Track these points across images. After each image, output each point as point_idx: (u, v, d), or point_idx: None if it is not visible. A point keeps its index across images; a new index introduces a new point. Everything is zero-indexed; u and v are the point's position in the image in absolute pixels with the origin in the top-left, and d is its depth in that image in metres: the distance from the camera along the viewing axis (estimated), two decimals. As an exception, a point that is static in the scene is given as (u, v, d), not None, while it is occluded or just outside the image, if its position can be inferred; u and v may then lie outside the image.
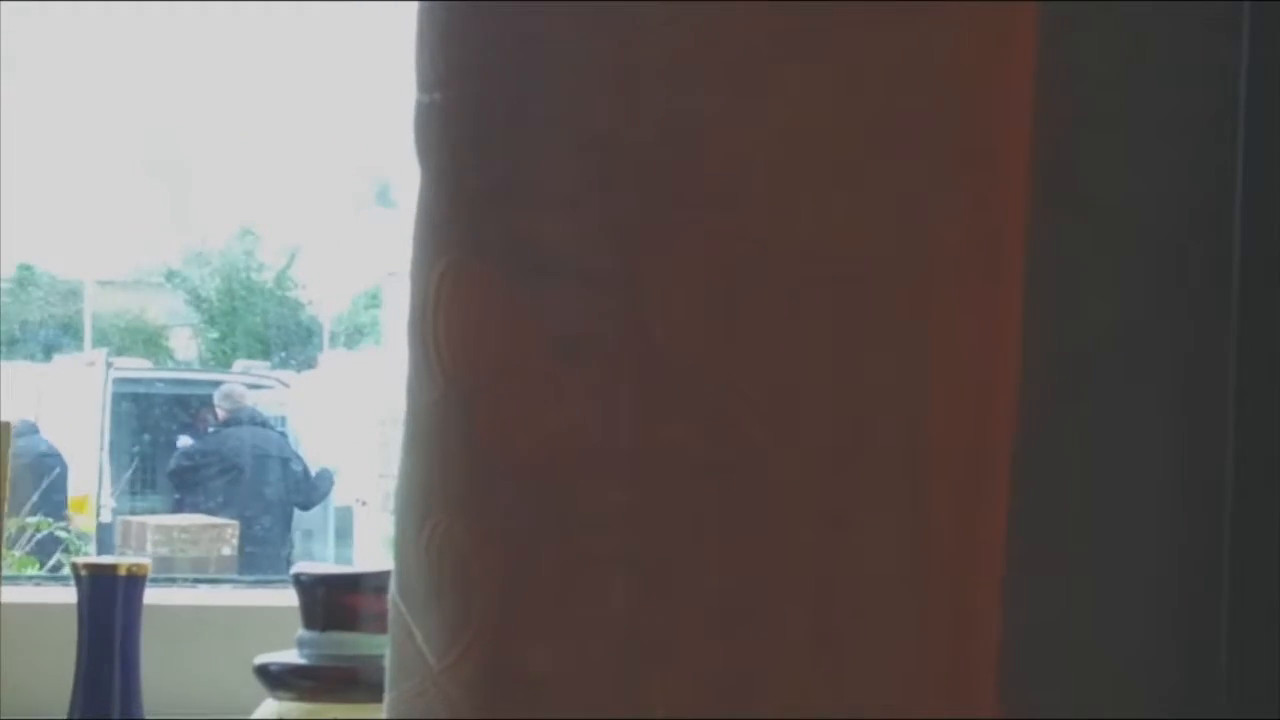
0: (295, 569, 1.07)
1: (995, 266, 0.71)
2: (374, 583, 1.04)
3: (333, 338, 7.40)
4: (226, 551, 5.18)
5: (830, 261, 0.68)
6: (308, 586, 1.05)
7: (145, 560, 1.14)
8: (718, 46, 0.68)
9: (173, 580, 1.41)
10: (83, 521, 5.36)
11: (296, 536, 5.83)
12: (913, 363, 0.69)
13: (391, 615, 0.74)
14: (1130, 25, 0.75)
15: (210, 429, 5.80)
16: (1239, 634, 0.75)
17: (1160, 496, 0.76)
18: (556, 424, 0.69)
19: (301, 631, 1.06)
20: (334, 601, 1.05)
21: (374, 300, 7.46)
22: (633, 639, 0.68)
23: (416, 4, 0.73)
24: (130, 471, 5.92)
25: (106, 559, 1.15)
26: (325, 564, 1.14)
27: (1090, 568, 0.76)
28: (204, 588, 1.45)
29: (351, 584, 1.05)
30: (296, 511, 5.87)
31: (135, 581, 1.12)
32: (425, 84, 0.73)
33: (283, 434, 6.06)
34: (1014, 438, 0.71)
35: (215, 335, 7.07)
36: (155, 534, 5.21)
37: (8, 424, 1.16)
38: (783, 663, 0.68)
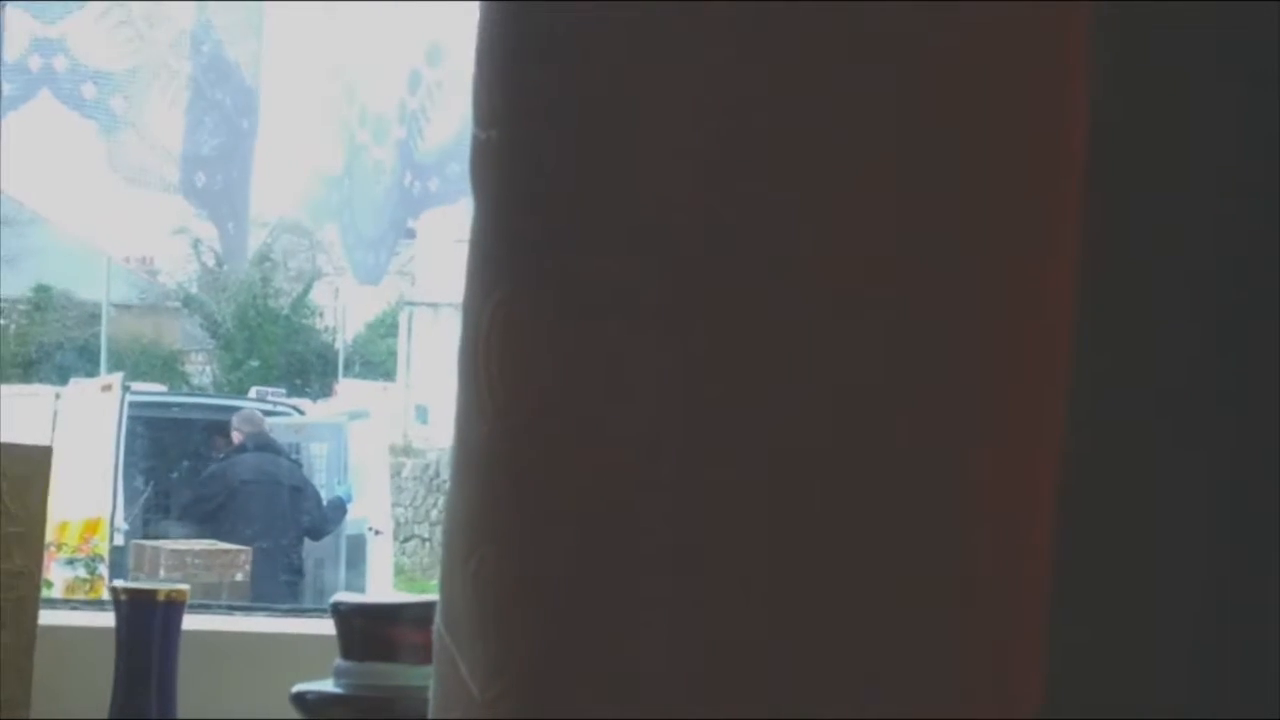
0: (334, 599, 1.07)
1: (1048, 297, 0.71)
2: (412, 614, 1.04)
3: (348, 365, 7.40)
4: (239, 577, 5.18)
5: (884, 302, 0.68)
6: (346, 617, 1.05)
7: (184, 586, 1.14)
8: (775, 89, 0.69)
9: (207, 607, 1.41)
10: (96, 544, 5.37)
11: (309, 564, 5.83)
12: (962, 396, 0.69)
13: (436, 646, 0.74)
14: (1187, 83, 0.75)
15: (222, 455, 5.80)
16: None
17: (1205, 513, 0.76)
18: (605, 462, 0.69)
19: (339, 661, 1.06)
20: (372, 632, 1.05)
21: (391, 329, 7.47)
22: (677, 678, 0.68)
23: (475, 41, 0.74)
24: (144, 496, 5.93)
25: (145, 584, 1.15)
26: (363, 595, 1.14)
27: (1133, 598, 0.76)
28: (239, 614, 1.45)
29: (390, 615, 1.05)
30: (308, 540, 5.87)
31: (174, 607, 1.13)
32: (481, 121, 0.73)
33: (296, 461, 6.06)
34: (1060, 471, 0.72)
35: (230, 361, 7.08)
36: (168, 559, 5.21)
37: (49, 448, 1.16)
38: (831, 705, 0.68)
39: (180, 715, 1.14)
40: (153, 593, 1.13)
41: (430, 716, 0.74)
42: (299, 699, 1.05)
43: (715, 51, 0.69)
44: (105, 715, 1.14)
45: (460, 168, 1.13)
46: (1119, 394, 0.76)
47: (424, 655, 1.01)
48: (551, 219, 0.70)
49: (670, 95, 0.69)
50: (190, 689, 1.16)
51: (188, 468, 5.99)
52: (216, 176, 1.14)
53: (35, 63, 1.12)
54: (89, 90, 1.12)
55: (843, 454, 0.68)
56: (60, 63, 1.12)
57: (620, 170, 0.69)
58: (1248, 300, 0.77)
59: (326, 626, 1.09)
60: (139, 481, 5.94)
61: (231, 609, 1.45)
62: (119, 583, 1.16)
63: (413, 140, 1.19)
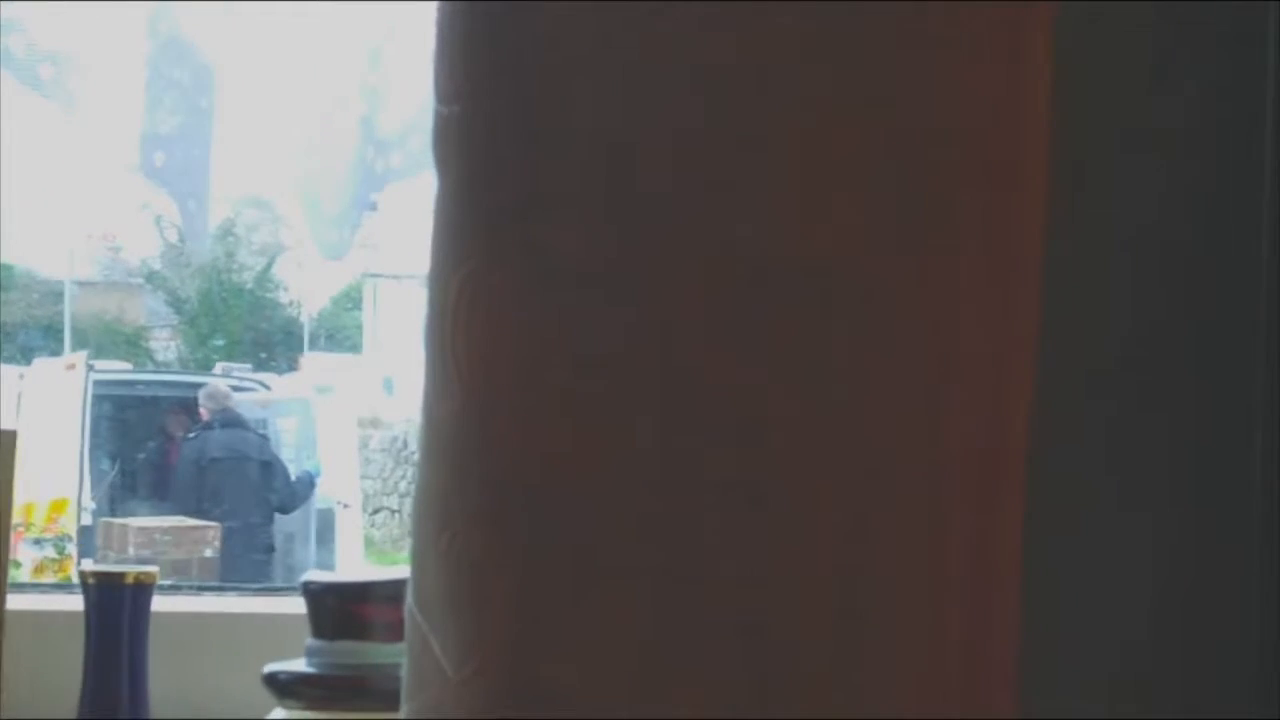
0: (304, 578, 1.07)
1: (1012, 277, 0.71)
2: (384, 591, 1.04)
3: (313, 339, 7.39)
4: (209, 554, 5.17)
5: (850, 274, 0.68)
6: (317, 595, 1.05)
7: (153, 569, 1.14)
8: (739, 59, 0.68)
9: (177, 588, 1.41)
10: (64, 524, 5.36)
11: (278, 539, 5.83)
12: (931, 373, 0.69)
13: (408, 625, 0.74)
14: (1152, 37, 0.75)
15: (191, 434, 5.79)
16: (1266, 641, 0.76)
17: (1178, 503, 0.76)
18: (575, 436, 0.69)
19: (310, 640, 1.06)
20: (343, 610, 1.04)
21: (355, 301, 7.45)
22: (651, 652, 0.68)
23: (435, 16, 0.73)
24: (112, 474, 5.91)
25: (114, 567, 1.14)
26: (333, 572, 1.14)
27: (1108, 573, 0.76)
28: (209, 595, 1.45)
29: (360, 593, 1.05)
30: (278, 514, 5.87)
31: (143, 590, 1.12)
32: (443, 96, 0.73)
33: (264, 436, 6.04)
34: (1030, 447, 0.72)
35: (195, 337, 7.06)
36: (137, 536, 5.20)
37: (14, 432, 1.16)
38: (803, 675, 0.68)
39: (151, 697, 1.14)
40: (121, 575, 1.13)
41: (403, 696, 0.74)
42: (271, 679, 1.05)
43: (680, 26, 0.68)
44: (75, 700, 1.14)
45: (422, 142, 1.12)
46: (1087, 383, 0.76)
47: (395, 633, 1.01)
48: (516, 193, 0.70)
49: (635, 68, 0.69)
50: (161, 670, 1.16)
51: (154, 447, 5.97)
52: (176, 155, 1.14)
53: (-8, 44, 1.11)
54: (46, 71, 1.12)
55: (815, 432, 0.68)
56: (17, 43, 1.11)
57: (584, 143, 0.69)
58: (1220, 290, 0.77)
59: (297, 605, 1.08)
60: (105, 460, 5.93)
61: (201, 589, 1.45)
62: (87, 566, 1.15)
63: (374, 116, 1.18)
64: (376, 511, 7.08)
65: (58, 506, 5.33)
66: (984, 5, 0.69)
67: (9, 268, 6.60)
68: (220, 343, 7.00)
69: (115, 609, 1.11)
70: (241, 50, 1.17)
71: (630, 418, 0.68)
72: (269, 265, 7.23)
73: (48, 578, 4.97)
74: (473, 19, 0.71)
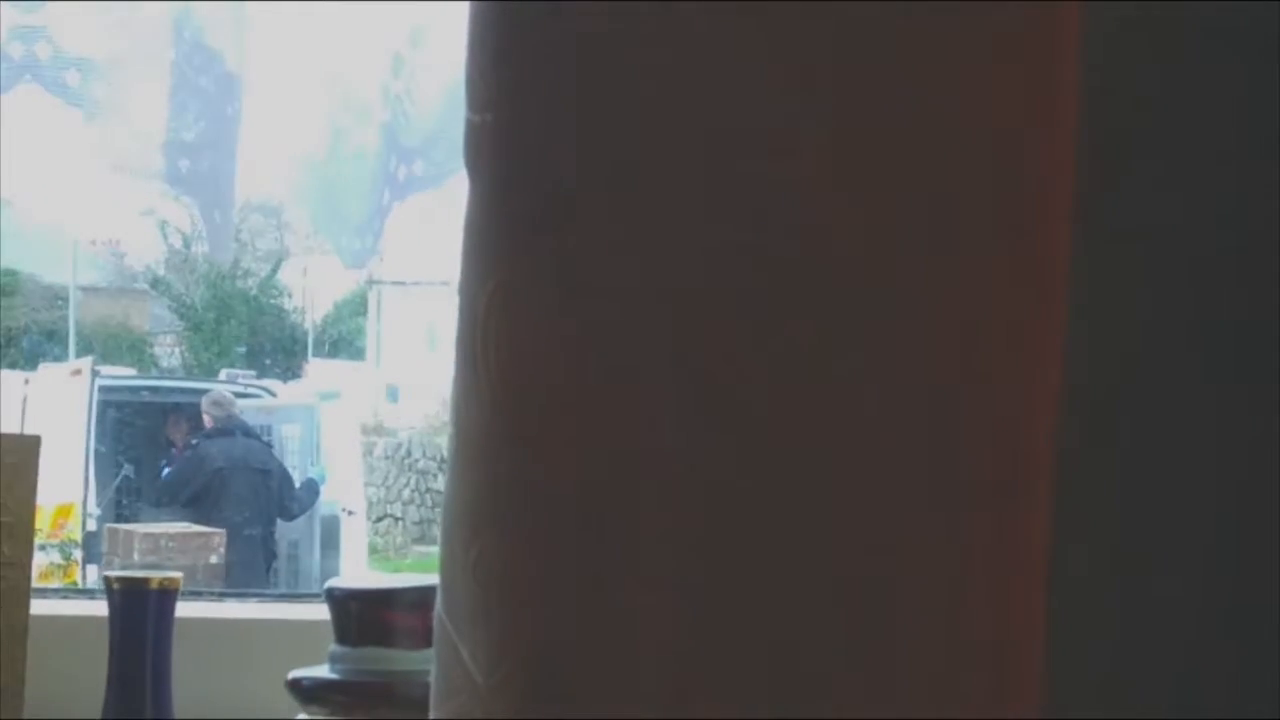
0: (328, 584, 1.07)
1: (1038, 279, 0.71)
2: (408, 598, 1.04)
3: (318, 345, 7.38)
4: (214, 560, 5.17)
5: (872, 277, 0.68)
6: (340, 601, 1.05)
7: (177, 574, 1.14)
8: (765, 64, 0.69)
9: (198, 594, 1.41)
10: (70, 530, 5.35)
11: (283, 546, 5.82)
12: (954, 376, 0.69)
13: (438, 632, 0.74)
14: (1178, 39, 0.75)
15: (194, 440, 5.78)
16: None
17: (1204, 505, 0.76)
18: (605, 446, 0.69)
19: (334, 646, 1.05)
20: (367, 616, 1.04)
21: (359, 308, 7.45)
22: (678, 661, 0.68)
23: (467, 22, 0.73)
24: (117, 480, 5.90)
25: (139, 573, 1.15)
26: (358, 579, 1.14)
27: (1133, 575, 0.76)
28: (231, 600, 1.45)
29: (385, 599, 1.05)
30: (281, 521, 5.86)
31: (167, 595, 1.12)
32: (475, 104, 0.73)
33: (268, 443, 6.04)
34: (1057, 449, 0.72)
35: (199, 343, 7.05)
36: (143, 542, 5.19)
37: (37, 438, 1.16)
38: (829, 681, 0.68)
39: (174, 704, 1.14)
40: (145, 581, 1.13)
41: (432, 702, 0.74)
42: (295, 685, 1.05)
43: (709, 32, 0.69)
44: (99, 704, 1.14)
45: (444, 151, 1.13)
46: (1113, 385, 0.76)
47: (420, 639, 1.01)
48: (546, 202, 0.70)
49: (668, 76, 0.69)
50: (183, 676, 1.16)
51: (159, 453, 5.97)
52: (201, 162, 1.14)
53: (17, 50, 1.11)
54: (72, 77, 1.12)
55: (839, 439, 0.68)
56: (43, 50, 1.11)
57: (618, 153, 0.69)
58: (1244, 291, 0.77)
59: (318, 611, 1.08)
60: (111, 466, 5.92)
61: (222, 595, 1.45)
62: (111, 572, 1.15)
63: (397, 123, 1.19)
64: (380, 519, 7.07)
65: (63, 512, 5.33)
66: (1011, 6, 0.69)
67: (14, 273, 6.59)
68: (228, 351, 7.00)
69: (139, 614, 1.11)
70: (267, 57, 1.18)
71: (656, 429, 0.68)
72: (274, 271, 7.22)
73: (53, 584, 4.96)
74: (506, 26, 0.71)
